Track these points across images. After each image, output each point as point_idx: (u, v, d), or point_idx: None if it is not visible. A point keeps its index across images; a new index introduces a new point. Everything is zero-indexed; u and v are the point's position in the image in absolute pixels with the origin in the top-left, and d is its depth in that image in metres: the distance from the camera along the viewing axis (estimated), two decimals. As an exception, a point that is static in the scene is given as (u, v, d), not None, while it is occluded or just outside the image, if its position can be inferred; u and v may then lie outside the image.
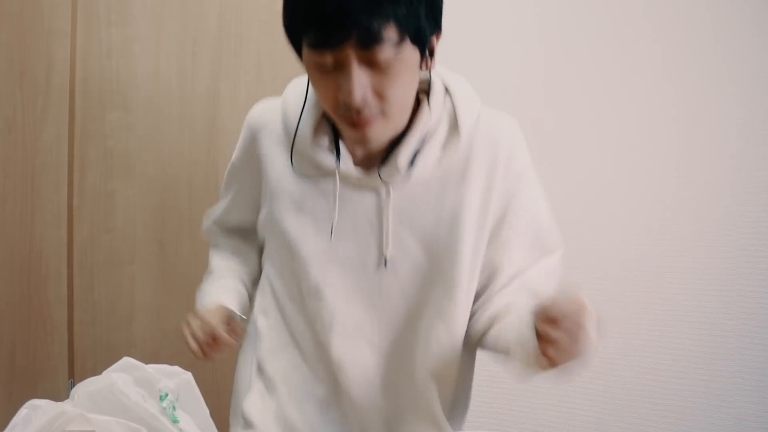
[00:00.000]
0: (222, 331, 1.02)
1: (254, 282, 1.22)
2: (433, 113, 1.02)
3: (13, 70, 1.69)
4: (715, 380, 1.84)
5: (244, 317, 1.13)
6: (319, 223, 1.05)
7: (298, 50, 0.94)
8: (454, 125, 1.03)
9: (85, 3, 1.70)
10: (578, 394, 1.84)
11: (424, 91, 1.03)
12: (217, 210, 1.23)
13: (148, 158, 1.75)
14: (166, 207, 1.76)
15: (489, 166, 1.04)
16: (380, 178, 1.02)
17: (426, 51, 0.94)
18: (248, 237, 1.21)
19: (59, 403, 0.80)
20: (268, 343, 1.13)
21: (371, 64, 0.89)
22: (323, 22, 0.86)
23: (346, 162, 1.03)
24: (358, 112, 0.92)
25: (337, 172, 1.03)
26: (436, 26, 0.95)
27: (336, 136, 1.04)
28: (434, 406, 1.07)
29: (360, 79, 0.89)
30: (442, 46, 0.97)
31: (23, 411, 0.78)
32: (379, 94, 0.92)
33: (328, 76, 0.91)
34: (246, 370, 1.17)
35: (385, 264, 1.04)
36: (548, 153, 1.78)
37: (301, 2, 0.89)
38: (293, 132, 1.05)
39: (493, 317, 1.06)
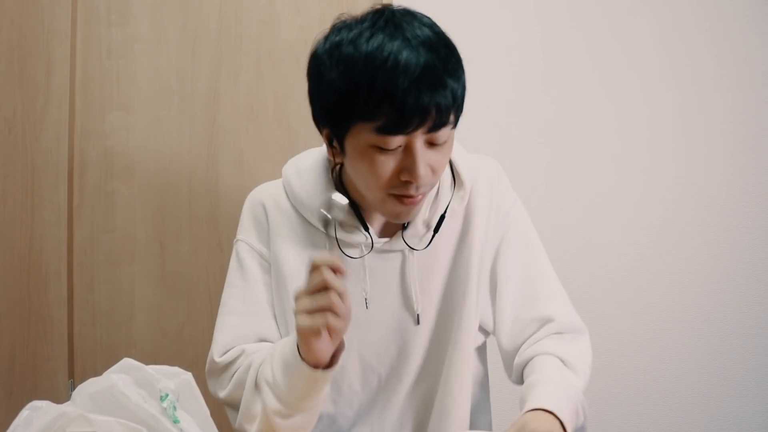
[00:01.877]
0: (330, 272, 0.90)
1: None
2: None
3: (13, 70, 1.69)
4: (715, 380, 1.83)
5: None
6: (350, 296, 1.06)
7: (339, 127, 0.95)
8: (457, 181, 1.09)
9: (85, 3, 1.70)
10: (578, 394, 1.84)
11: None
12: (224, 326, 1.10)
13: (148, 158, 1.75)
14: (166, 207, 1.75)
15: (486, 212, 1.11)
16: (405, 242, 1.07)
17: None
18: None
19: (60, 405, 0.80)
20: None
21: (432, 143, 0.95)
22: (398, 108, 0.88)
23: (374, 234, 1.08)
24: (418, 188, 0.96)
25: (369, 244, 1.07)
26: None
27: (357, 211, 1.07)
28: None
29: (425, 159, 0.94)
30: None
31: (24, 412, 0.78)
32: (434, 170, 0.97)
33: (389, 156, 0.94)
34: None
35: (418, 321, 1.09)
36: (548, 153, 1.78)
37: (364, 86, 0.89)
38: (308, 211, 1.07)
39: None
